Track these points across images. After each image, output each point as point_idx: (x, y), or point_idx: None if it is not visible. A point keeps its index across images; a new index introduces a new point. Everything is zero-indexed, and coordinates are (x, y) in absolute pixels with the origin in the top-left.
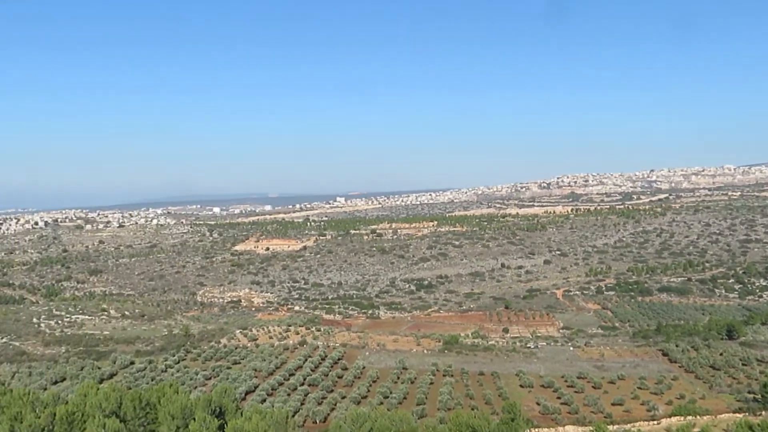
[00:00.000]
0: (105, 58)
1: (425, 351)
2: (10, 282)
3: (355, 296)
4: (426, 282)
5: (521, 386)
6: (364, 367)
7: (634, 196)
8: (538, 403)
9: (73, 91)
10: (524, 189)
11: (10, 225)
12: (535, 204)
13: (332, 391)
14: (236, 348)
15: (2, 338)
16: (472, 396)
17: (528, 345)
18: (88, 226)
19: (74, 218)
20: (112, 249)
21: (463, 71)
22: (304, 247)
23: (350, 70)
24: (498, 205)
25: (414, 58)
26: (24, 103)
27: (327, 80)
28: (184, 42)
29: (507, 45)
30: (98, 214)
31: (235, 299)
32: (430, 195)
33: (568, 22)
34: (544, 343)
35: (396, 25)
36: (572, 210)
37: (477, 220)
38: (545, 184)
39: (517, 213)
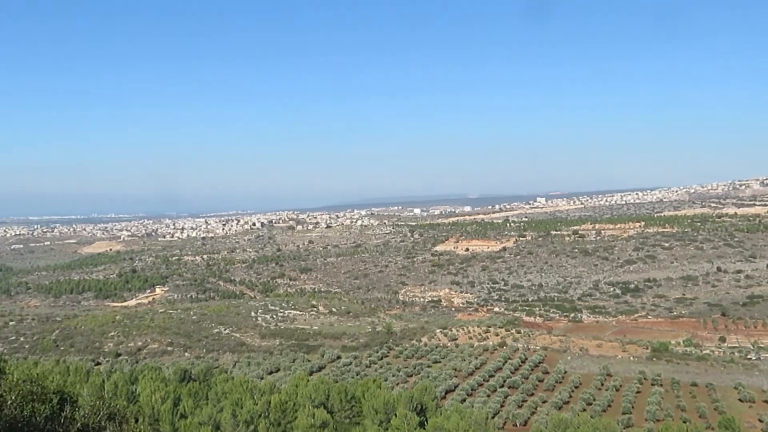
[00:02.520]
0: (317, 65)
1: (631, 358)
2: (232, 278)
3: (556, 299)
4: (632, 285)
5: (740, 400)
6: (565, 372)
7: None
8: (760, 420)
9: (288, 99)
10: (743, 187)
11: (232, 226)
12: (757, 203)
13: (532, 394)
14: (436, 347)
15: (225, 330)
16: (684, 408)
17: (748, 356)
18: (299, 227)
19: (287, 219)
20: (321, 248)
21: (672, 62)
22: (504, 248)
23: (556, 68)
24: (713, 205)
25: (620, 52)
26: (247, 114)
27: (530, 79)
28: (383, 48)
29: (729, 34)
30: (308, 216)
31: (435, 299)
32: (636, 194)
33: None
34: None
35: (608, 22)
36: None
37: (689, 221)
38: None
39: (735, 213)
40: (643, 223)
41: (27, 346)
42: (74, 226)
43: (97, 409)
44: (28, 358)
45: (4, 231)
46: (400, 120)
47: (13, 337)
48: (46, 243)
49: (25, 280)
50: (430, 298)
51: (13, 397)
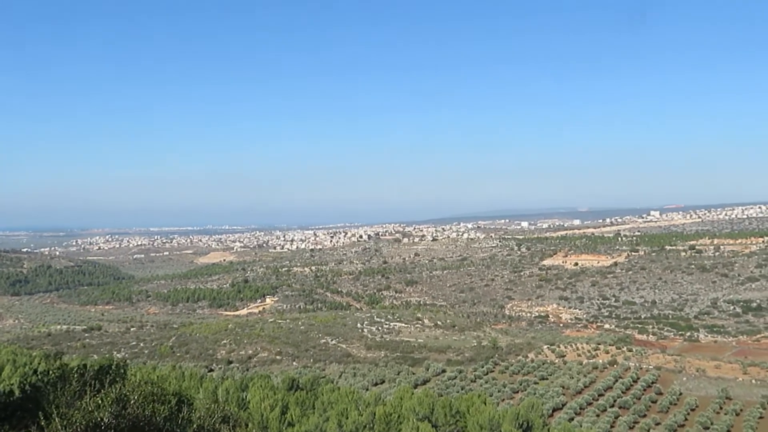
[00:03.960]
0: (435, 76)
1: (753, 381)
2: (339, 289)
3: (670, 316)
4: (754, 304)
5: None
6: (680, 393)
7: None
8: None
9: (400, 112)
10: None
11: (339, 238)
12: None
13: (645, 416)
14: (543, 363)
15: (332, 340)
16: None
17: None
18: (405, 240)
19: (393, 232)
20: (426, 261)
21: None
22: (615, 263)
23: (672, 74)
24: None
25: (742, 57)
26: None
27: (643, 87)
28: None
29: None
30: (414, 228)
31: (542, 314)
32: (760, 207)
33: None
34: None
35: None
36: None
37: None
38: None
39: None
40: (767, 238)
41: (146, 352)
42: (191, 237)
43: (212, 411)
44: (147, 363)
45: (128, 241)
46: (511, 132)
47: (134, 343)
48: (165, 253)
49: (146, 289)
50: (537, 314)
51: (136, 397)
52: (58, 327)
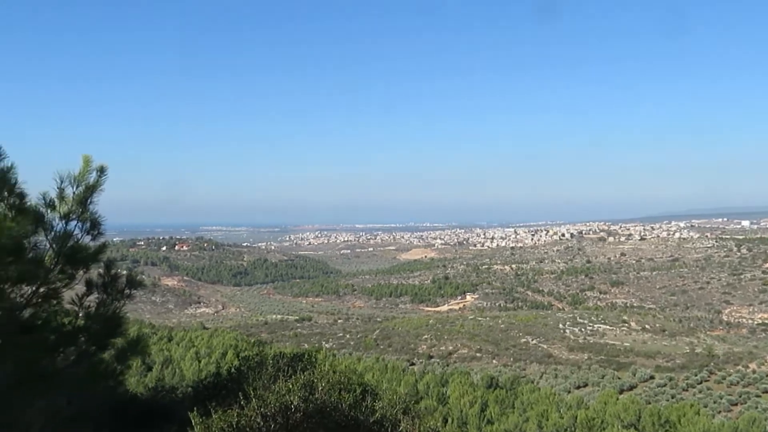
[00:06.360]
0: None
1: None
2: (540, 289)
3: None
4: None
5: None
6: None
7: None
8: None
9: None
10: None
11: (541, 236)
12: None
13: None
14: (767, 375)
15: (532, 340)
16: None
17: None
18: (610, 239)
19: (597, 230)
20: (633, 261)
21: None
22: None
23: None
24: None
25: None
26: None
27: None
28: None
29: None
30: (620, 227)
31: (766, 321)
32: None
33: None
34: None
35: None
36: None
37: None
38: None
39: None
40: None
41: (352, 343)
42: (394, 233)
43: (394, 402)
44: (352, 354)
45: (335, 237)
46: (730, 121)
47: (341, 334)
48: (369, 249)
49: (351, 283)
50: (759, 321)
51: (323, 385)
52: (274, 316)
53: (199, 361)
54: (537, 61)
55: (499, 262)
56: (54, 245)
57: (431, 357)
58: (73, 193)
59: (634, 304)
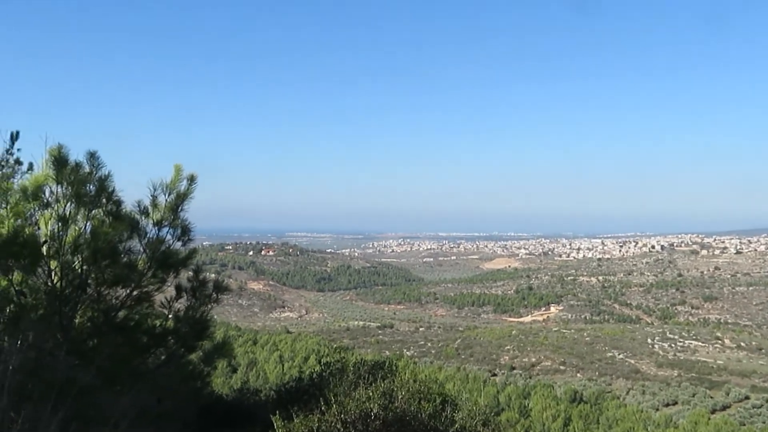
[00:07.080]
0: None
1: None
2: (628, 302)
3: None
4: None
5: None
6: None
7: None
8: None
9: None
10: None
11: (629, 248)
12: None
13: None
14: None
15: (619, 354)
16: None
17: None
18: (704, 252)
19: (689, 243)
20: (728, 276)
21: None
22: None
23: None
24: None
25: None
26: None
27: None
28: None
29: None
30: (714, 240)
31: None
32: None
33: None
34: None
35: None
36: None
37: None
38: None
39: None
40: None
41: (433, 351)
42: (477, 242)
43: (474, 414)
44: (433, 363)
45: (418, 245)
46: None
47: (422, 342)
48: (452, 257)
49: (434, 291)
50: None
51: (403, 393)
52: (356, 323)
53: (283, 365)
54: (631, 64)
55: (585, 273)
56: (147, 250)
57: (513, 368)
58: (165, 200)
59: (729, 321)
